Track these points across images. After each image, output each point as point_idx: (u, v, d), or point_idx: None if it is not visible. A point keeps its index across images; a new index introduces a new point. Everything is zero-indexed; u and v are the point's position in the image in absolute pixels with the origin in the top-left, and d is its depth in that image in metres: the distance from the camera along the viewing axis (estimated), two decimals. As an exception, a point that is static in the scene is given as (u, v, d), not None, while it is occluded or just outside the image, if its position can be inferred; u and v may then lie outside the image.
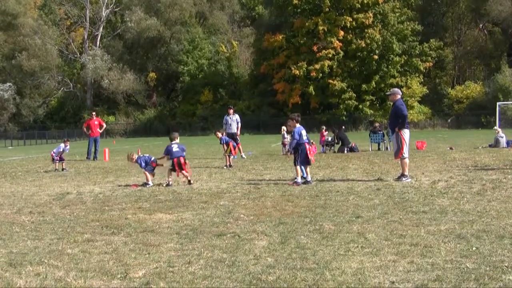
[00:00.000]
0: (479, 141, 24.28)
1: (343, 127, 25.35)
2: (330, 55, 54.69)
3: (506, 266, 4.51)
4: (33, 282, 4.48)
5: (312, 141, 13.16)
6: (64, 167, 15.63)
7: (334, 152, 20.79)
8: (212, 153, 20.73)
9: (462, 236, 5.65)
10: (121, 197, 9.59)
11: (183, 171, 11.18)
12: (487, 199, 8.08)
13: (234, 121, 18.67)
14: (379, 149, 21.30)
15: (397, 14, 56.98)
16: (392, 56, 54.15)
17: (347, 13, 55.68)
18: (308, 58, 55.46)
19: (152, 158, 11.46)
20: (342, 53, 55.42)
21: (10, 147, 39.76)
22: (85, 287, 4.35)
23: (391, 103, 11.35)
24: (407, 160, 10.80)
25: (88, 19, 69.54)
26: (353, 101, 54.69)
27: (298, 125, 11.01)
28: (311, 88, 54.89)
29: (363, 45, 54.49)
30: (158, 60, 70.94)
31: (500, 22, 61.89)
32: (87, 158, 20.41)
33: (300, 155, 10.65)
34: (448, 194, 8.68)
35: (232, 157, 15.31)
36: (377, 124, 23.32)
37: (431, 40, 57.11)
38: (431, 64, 57.84)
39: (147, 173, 11.22)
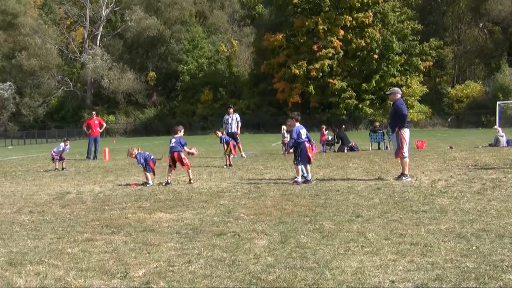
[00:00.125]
0: (479, 140, 24.27)
1: (343, 126, 25.38)
2: (330, 55, 54.68)
3: (506, 265, 4.51)
4: (33, 282, 4.48)
5: (312, 140, 13.15)
6: (64, 166, 15.64)
7: (334, 151, 20.79)
8: (212, 152, 20.73)
9: (462, 235, 5.65)
10: (121, 196, 9.59)
11: (182, 167, 11.15)
12: (487, 198, 8.08)
13: (234, 120, 18.67)
14: (379, 148, 21.30)
15: (397, 13, 57.01)
16: (392, 55, 54.11)
17: (347, 13, 55.66)
18: (308, 58, 55.46)
19: (152, 157, 11.47)
20: (342, 53, 55.41)
21: (10, 147, 39.76)
22: (85, 287, 4.34)
23: (391, 103, 11.34)
24: (407, 160, 10.79)
25: (88, 18, 69.52)
26: (353, 100, 54.66)
27: (298, 124, 10.99)
28: (311, 88, 54.91)
29: (363, 44, 54.48)
30: (158, 59, 70.94)
31: (500, 21, 61.88)
32: (87, 157, 20.41)
33: (300, 154, 10.63)
34: (448, 193, 8.68)
35: (232, 156, 15.32)
36: (377, 124, 23.35)
37: (431, 39, 57.10)
38: (431, 63, 57.81)
39: (147, 173, 11.23)
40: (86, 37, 70.49)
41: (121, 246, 5.67)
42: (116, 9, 69.98)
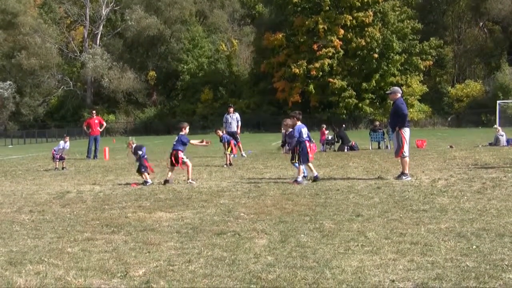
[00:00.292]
0: (479, 140, 24.27)
1: (343, 125, 25.40)
2: (330, 54, 54.66)
3: (506, 265, 4.50)
4: (33, 281, 4.48)
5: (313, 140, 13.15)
6: (64, 166, 15.63)
7: (334, 150, 20.80)
8: (212, 151, 20.71)
9: (462, 234, 5.65)
10: (121, 195, 9.59)
11: (176, 165, 11.13)
12: (487, 197, 8.07)
13: (234, 119, 18.68)
14: (379, 147, 21.32)
15: (397, 12, 57.01)
16: (392, 54, 54.09)
17: (347, 12, 55.64)
18: (308, 57, 55.43)
19: (145, 156, 11.49)
20: (342, 52, 55.39)
21: (10, 146, 39.77)
22: (85, 286, 4.34)
23: (391, 102, 11.33)
24: (407, 159, 10.79)
25: (88, 17, 69.51)
26: (353, 99, 54.64)
27: (299, 123, 10.99)
28: (311, 87, 54.89)
29: (363, 43, 54.46)
30: (158, 58, 70.93)
31: (500, 20, 61.87)
32: (87, 156, 20.41)
33: (301, 153, 10.63)
34: (448, 192, 8.68)
35: (232, 155, 15.31)
36: (377, 123, 23.38)
37: (431, 38, 57.09)
38: (431, 62, 57.79)
39: (144, 174, 11.23)
40: (86, 36, 70.47)
41: (121, 245, 5.66)
42: (116, 8, 69.95)
